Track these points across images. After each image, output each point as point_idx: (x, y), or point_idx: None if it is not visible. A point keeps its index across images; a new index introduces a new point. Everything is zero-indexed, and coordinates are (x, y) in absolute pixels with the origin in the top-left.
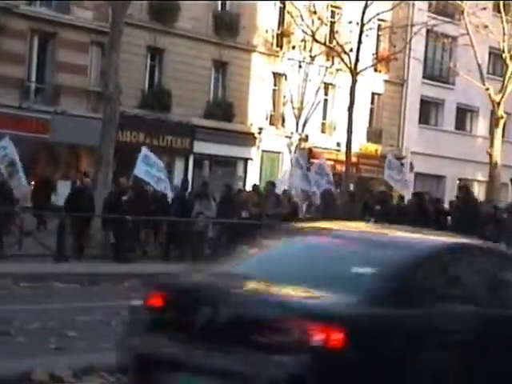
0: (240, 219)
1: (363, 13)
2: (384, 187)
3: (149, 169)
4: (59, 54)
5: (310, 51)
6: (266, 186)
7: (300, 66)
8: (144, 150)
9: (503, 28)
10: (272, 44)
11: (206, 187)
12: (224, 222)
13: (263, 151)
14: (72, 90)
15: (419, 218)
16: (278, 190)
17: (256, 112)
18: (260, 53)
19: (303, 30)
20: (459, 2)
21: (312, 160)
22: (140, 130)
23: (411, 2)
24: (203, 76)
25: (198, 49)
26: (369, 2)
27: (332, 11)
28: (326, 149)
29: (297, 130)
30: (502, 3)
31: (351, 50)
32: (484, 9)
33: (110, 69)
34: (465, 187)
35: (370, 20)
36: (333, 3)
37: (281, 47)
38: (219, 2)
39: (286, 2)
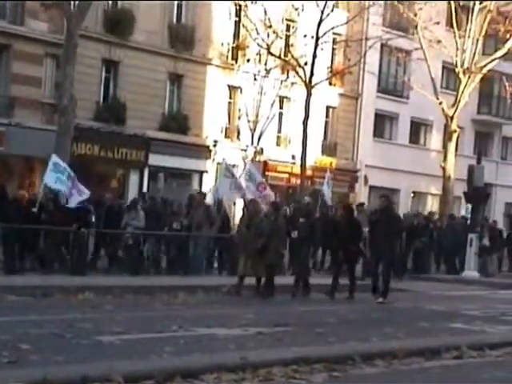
0: (170, 230)
1: (318, 26)
2: (309, 199)
3: (60, 176)
4: (14, 65)
5: (265, 64)
6: (196, 196)
7: (255, 79)
8: (54, 157)
9: (456, 43)
10: (227, 57)
11: (138, 199)
12: (151, 233)
13: (218, 164)
14: (26, 102)
15: (345, 230)
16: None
17: (211, 125)
18: (215, 66)
19: (258, 44)
20: (413, 17)
21: (267, 173)
22: (95, 142)
23: (365, 16)
24: (158, 89)
25: (153, 61)
26: (324, 16)
27: (287, 25)
28: (280, 162)
29: (252, 142)
30: (454, 18)
31: (306, 64)
32: (437, 23)
33: (64, 81)
34: (385, 197)
35: (324, 34)
36: (288, 17)
37: (236, 60)
38: (174, 15)
39: (242, 16)
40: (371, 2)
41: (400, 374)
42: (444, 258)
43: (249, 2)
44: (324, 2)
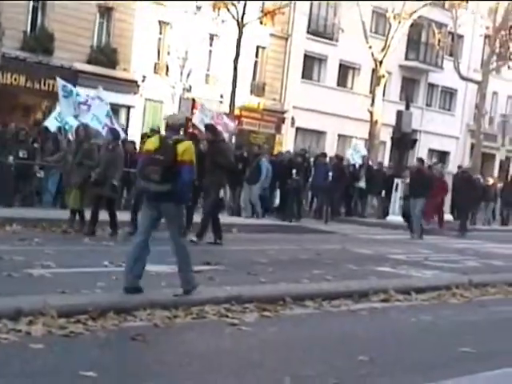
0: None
1: None
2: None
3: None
4: None
5: (197, 0)
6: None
7: (186, 15)
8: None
9: None
10: None
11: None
12: None
13: (146, 99)
14: None
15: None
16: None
17: (140, 60)
18: (146, 0)
19: None
20: None
21: (194, 111)
22: (21, 72)
23: None
24: (87, 21)
25: None
26: None
27: None
28: (209, 100)
29: (181, 80)
30: None
31: (238, 2)
32: None
33: None
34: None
35: None
36: None
37: None
38: None
39: None
40: None
41: (329, 316)
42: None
43: None
44: None
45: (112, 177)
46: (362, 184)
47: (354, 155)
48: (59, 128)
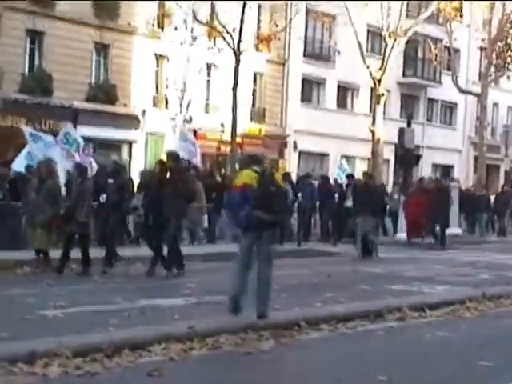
0: None
1: None
2: (116, 157)
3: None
4: None
5: (192, 32)
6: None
7: (182, 47)
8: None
9: (381, 6)
10: (153, 25)
11: None
12: None
13: (147, 133)
14: None
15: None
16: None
17: (139, 94)
18: (141, 34)
19: (184, 11)
20: None
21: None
22: (21, 114)
23: None
24: (84, 59)
25: (79, 31)
26: None
27: None
28: (210, 130)
29: (181, 111)
30: None
31: (234, 30)
32: None
33: None
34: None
35: None
36: None
37: (162, 28)
38: None
39: None
40: None
41: (346, 338)
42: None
43: None
44: None
45: (79, 214)
46: (349, 203)
47: (340, 174)
48: (28, 167)
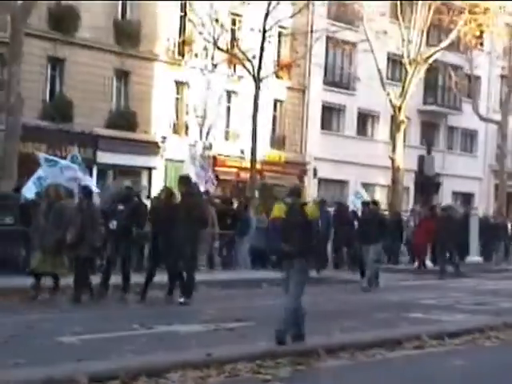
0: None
1: (265, 19)
2: (129, 183)
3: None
4: None
5: (212, 59)
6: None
7: (203, 74)
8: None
9: (401, 34)
10: (174, 52)
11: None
12: None
13: (167, 160)
14: None
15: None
16: None
17: (159, 121)
18: (162, 61)
19: (205, 38)
20: (358, 8)
21: (216, 168)
22: (42, 141)
23: (311, 8)
24: (105, 85)
25: (100, 58)
26: (270, 8)
27: (233, 18)
28: (230, 156)
29: (200, 138)
30: (399, 9)
31: (254, 57)
32: (383, 15)
33: (11, 79)
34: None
35: (271, 27)
36: (233, 11)
37: (183, 55)
38: (120, 11)
39: (187, 10)
40: None
41: (364, 366)
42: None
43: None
44: None
45: (91, 238)
46: None
47: (355, 201)
48: (38, 193)
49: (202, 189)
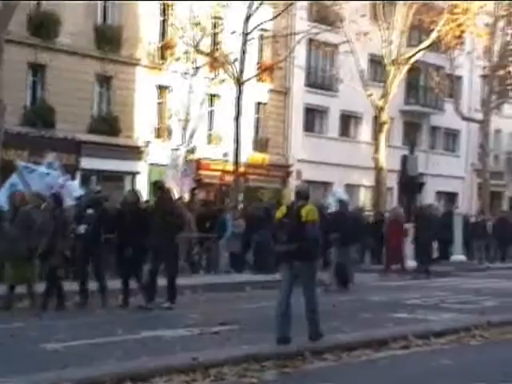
0: None
1: (246, 22)
2: (99, 187)
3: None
4: None
5: (194, 63)
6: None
7: (185, 78)
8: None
9: (382, 35)
10: (155, 57)
11: None
12: None
13: (150, 164)
14: None
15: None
16: None
17: (142, 125)
18: (144, 66)
19: (185, 42)
20: (339, 10)
21: (200, 172)
22: (23, 147)
23: (292, 11)
24: (87, 91)
25: (81, 64)
26: (251, 11)
27: (214, 22)
28: (213, 160)
29: (183, 142)
30: (380, 10)
31: (236, 60)
32: (363, 16)
33: None
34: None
35: (252, 30)
36: (214, 14)
37: (164, 60)
38: (100, 16)
39: (168, 14)
40: None
41: (350, 367)
42: None
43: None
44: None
45: (61, 246)
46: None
47: (333, 203)
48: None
49: (184, 194)
